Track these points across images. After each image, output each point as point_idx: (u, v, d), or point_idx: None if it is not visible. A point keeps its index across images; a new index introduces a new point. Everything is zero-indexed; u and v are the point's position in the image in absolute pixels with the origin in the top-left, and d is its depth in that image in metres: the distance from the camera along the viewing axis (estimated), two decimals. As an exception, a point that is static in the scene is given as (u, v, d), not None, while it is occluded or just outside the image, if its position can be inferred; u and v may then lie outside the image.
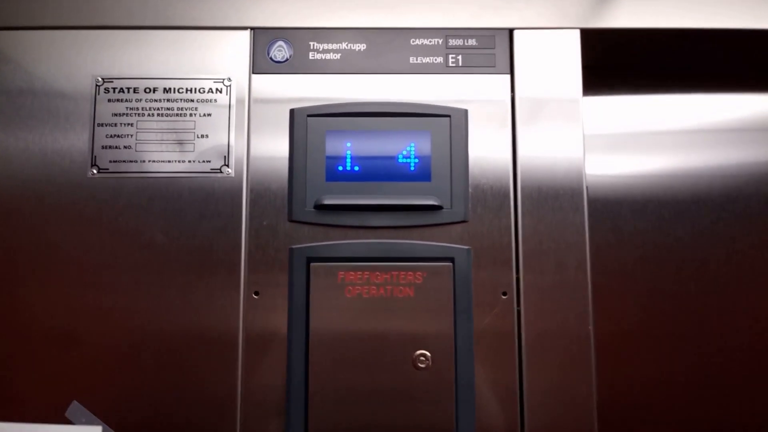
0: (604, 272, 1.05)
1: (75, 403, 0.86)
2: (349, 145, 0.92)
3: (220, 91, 0.93)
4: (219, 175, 0.91)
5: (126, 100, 0.93)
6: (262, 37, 0.95)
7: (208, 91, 0.93)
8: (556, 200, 0.92)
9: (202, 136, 0.92)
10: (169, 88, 0.93)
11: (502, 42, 0.96)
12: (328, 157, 0.92)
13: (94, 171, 0.91)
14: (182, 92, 0.93)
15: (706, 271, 1.07)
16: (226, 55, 0.94)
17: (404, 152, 0.92)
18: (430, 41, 0.95)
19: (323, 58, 0.95)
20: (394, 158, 0.92)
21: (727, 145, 1.11)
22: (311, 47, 0.95)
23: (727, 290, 1.06)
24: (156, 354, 0.88)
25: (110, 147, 0.92)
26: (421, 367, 0.87)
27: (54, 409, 0.86)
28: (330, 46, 0.95)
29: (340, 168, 0.91)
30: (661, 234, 1.08)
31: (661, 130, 1.11)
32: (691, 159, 1.10)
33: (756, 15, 0.96)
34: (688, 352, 1.05)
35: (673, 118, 1.11)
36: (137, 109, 0.93)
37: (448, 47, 0.95)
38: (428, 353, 0.87)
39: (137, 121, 0.92)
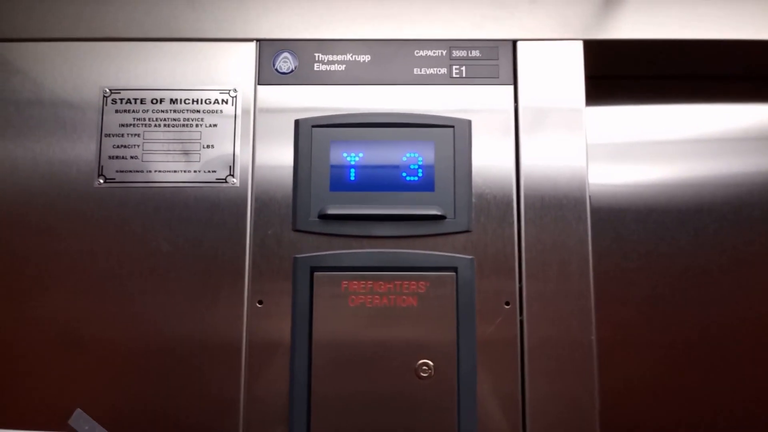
0: (607, 281, 1.05)
1: (78, 411, 0.86)
2: (353, 155, 0.93)
3: (226, 102, 0.94)
4: (224, 184, 0.92)
5: (133, 111, 0.94)
6: (268, 49, 0.96)
7: (214, 102, 0.94)
8: (559, 209, 0.92)
9: (208, 146, 0.93)
10: (176, 99, 0.94)
11: (506, 53, 0.96)
12: (332, 167, 0.92)
13: (101, 181, 0.92)
14: (188, 103, 0.94)
15: (709, 279, 1.07)
16: (231, 67, 0.95)
17: (408, 162, 0.93)
18: (434, 52, 0.96)
19: (328, 69, 0.96)
20: (397, 168, 0.92)
21: (730, 155, 1.11)
22: (316, 58, 0.96)
23: (731, 299, 1.06)
24: (160, 361, 0.88)
25: (117, 157, 0.93)
26: (424, 376, 0.87)
27: (58, 414, 0.87)
28: (335, 58, 0.96)
29: (345, 178, 0.92)
30: (664, 243, 1.08)
31: (663, 139, 1.11)
32: (694, 168, 1.10)
33: (758, 26, 0.97)
34: (692, 360, 1.05)
35: (675, 128, 1.11)
36: (144, 119, 0.94)
37: (451, 58, 0.96)
38: (431, 362, 0.87)
39: (144, 131, 0.93)
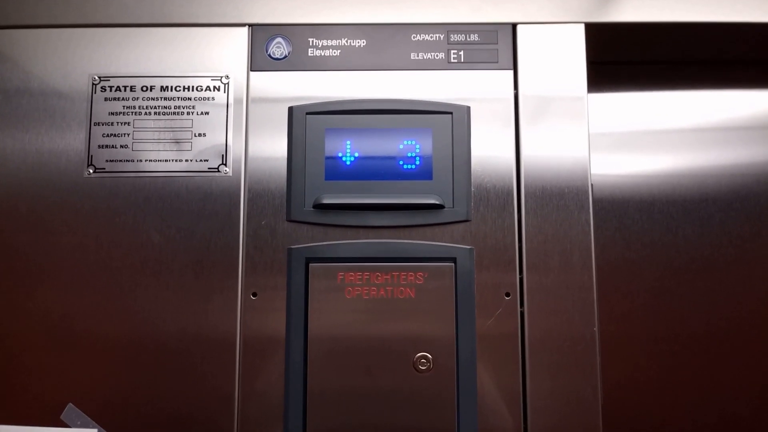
0: (610, 272, 1.03)
1: (70, 405, 0.85)
2: (348, 143, 0.90)
3: (218, 89, 0.92)
4: (216, 174, 0.90)
5: (123, 99, 0.92)
6: (261, 34, 0.94)
7: (206, 89, 0.92)
8: (560, 199, 0.90)
9: (200, 134, 0.91)
10: (167, 87, 0.92)
11: (505, 37, 0.94)
12: (327, 156, 0.90)
13: (91, 171, 0.90)
14: (179, 90, 0.92)
15: (715, 270, 1.05)
16: (224, 53, 0.93)
17: (405, 150, 0.90)
18: (432, 37, 0.94)
19: (322, 54, 0.93)
20: (394, 156, 0.90)
21: (737, 143, 1.09)
22: (310, 44, 0.94)
23: (737, 290, 1.04)
24: (152, 355, 0.86)
25: (107, 146, 0.91)
26: (422, 370, 0.85)
27: (50, 410, 0.85)
28: (329, 43, 0.94)
29: (340, 167, 0.90)
30: (668, 233, 1.06)
31: (668, 127, 1.09)
32: (700, 157, 1.08)
33: (764, 8, 0.94)
34: (696, 353, 1.03)
35: (680, 116, 1.09)
36: (134, 107, 0.91)
37: (449, 43, 0.94)
38: (429, 355, 0.85)
39: (134, 119, 0.91)
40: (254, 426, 0.85)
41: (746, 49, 1.04)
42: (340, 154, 0.90)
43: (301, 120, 0.91)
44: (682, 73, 1.10)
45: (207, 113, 0.91)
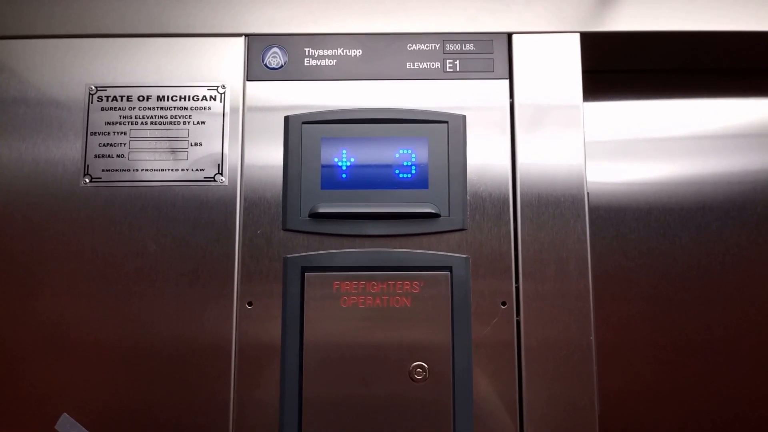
0: (607, 280, 1.03)
1: (65, 415, 0.84)
2: (344, 152, 0.90)
3: (214, 99, 0.92)
4: (212, 183, 0.90)
5: (119, 109, 0.92)
6: (257, 44, 0.94)
7: (202, 99, 0.92)
8: (556, 207, 0.90)
9: (196, 144, 0.91)
10: (163, 96, 0.92)
11: (501, 46, 0.94)
12: (323, 165, 0.90)
13: (87, 180, 0.90)
14: (176, 100, 0.92)
15: (712, 278, 1.05)
16: (220, 62, 0.93)
17: (401, 159, 0.90)
18: (427, 46, 0.94)
19: (318, 64, 0.94)
20: (390, 165, 0.90)
21: (733, 151, 1.09)
22: (306, 53, 0.94)
23: (734, 298, 1.04)
24: (148, 364, 0.86)
25: (103, 156, 0.91)
26: (418, 379, 0.85)
27: (45, 419, 0.85)
28: (325, 52, 0.94)
29: (336, 175, 0.90)
30: (665, 241, 1.05)
31: (664, 135, 1.09)
32: (696, 165, 1.08)
33: (759, 17, 0.94)
34: (694, 361, 1.03)
35: (676, 124, 1.09)
36: (130, 117, 0.92)
37: (445, 52, 0.94)
38: (425, 365, 0.85)
39: (130, 129, 0.91)
40: (250, 435, 0.85)
41: (743, 58, 1.04)
42: (336, 163, 0.90)
43: (297, 129, 0.91)
44: (678, 82, 1.10)
45: (203, 123, 0.91)
